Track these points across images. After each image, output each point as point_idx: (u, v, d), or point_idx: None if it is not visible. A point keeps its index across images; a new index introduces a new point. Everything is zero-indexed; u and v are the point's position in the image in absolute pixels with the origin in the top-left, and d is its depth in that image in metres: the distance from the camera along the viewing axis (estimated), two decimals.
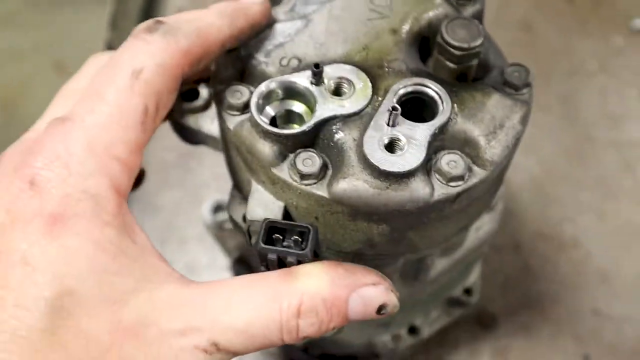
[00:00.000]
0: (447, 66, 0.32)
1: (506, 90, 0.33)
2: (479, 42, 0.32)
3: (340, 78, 0.32)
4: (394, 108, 0.29)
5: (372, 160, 0.29)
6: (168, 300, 0.26)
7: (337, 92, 0.32)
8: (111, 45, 0.65)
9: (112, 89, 0.28)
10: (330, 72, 0.32)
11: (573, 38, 0.72)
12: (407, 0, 0.35)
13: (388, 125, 0.30)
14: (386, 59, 0.33)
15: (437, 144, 0.31)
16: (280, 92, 0.31)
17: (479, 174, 0.31)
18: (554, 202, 0.63)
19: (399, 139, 0.29)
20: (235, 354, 0.27)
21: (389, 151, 0.29)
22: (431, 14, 0.35)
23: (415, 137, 0.29)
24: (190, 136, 0.38)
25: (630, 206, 0.63)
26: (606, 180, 0.64)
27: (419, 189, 0.29)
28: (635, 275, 0.60)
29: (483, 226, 0.42)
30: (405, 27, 0.34)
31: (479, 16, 0.36)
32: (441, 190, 0.30)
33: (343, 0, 0.35)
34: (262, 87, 0.31)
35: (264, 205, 0.32)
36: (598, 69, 0.70)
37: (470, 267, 0.47)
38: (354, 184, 0.29)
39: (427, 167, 0.30)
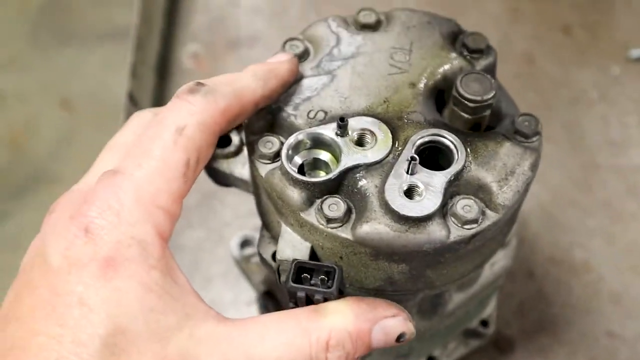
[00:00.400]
0: (462, 117, 0.35)
1: (517, 138, 0.36)
2: (491, 94, 0.35)
3: (363, 130, 0.35)
4: (412, 158, 0.32)
5: (393, 206, 0.32)
6: (207, 337, 0.29)
7: (360, 142, 0.35)
8: (132, 93, 0.68)
9: (158, 144, 0.31)
10: (354, 124, 0.35)
11: (573, 69, 0.75)
12: (424, 55, 0.38)
13: (407, 173, 0.33)
14: (405, 111, 0.36)
15: (453, 189, 0.33)
16: (308, 142, 0.35)
17: (492, 217, 0.33)
18: (564, 227, 0.66)
19: (417, 186, 0.32)
20: None
21: (408, 197, 0.32)
22: (446, 67, 0.38)
23: (433, 184, 0.32)
24: (222, 179, 0.41)
25: (636, 228, 0.65)
26: (612, 204, 0.67)
27: (436, 231, 0.32)
28: None
29: (498, 262, 0.44)
30: (423, 81, 0.37)
31: (491, 68, 0.39)
32: (457, 232, 0.33)
33: (365, 56, 0.39)
34: (292, 139, 0.34)
35: (292, 246, 0.35)
36: (598, 97, 0.73)
37: (486, 300, 0.49)
38: (375, 227, 0.32)
39: (443, 211, 0.33)
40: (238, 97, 0.33)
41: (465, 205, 0.33)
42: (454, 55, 0.38)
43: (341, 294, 0.33)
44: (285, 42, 0.39)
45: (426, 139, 0.34)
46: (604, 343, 0.60)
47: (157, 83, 0.75)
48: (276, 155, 0.35)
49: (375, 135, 0.35)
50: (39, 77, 0.97)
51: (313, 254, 0.35)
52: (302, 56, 0.39)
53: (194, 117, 0.31)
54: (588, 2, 0.79)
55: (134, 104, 0.68)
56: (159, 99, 0.74)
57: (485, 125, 0.36)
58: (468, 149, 0.34)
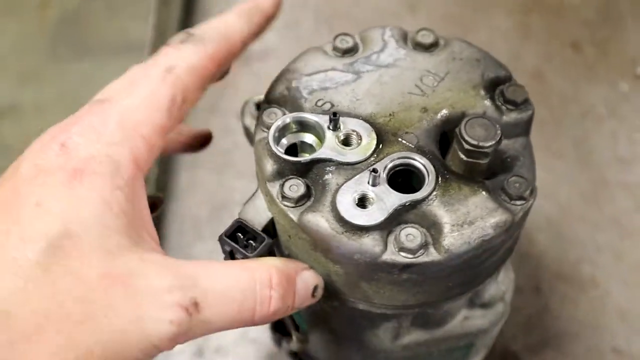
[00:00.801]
0: (458, 156, 0.35)
1: (501, 195, 0.35)
2: (489, 143, 0.34)
3: (354, 130, 0.36)
4: (374, 170, 0.34)
5: (339, 206, 0.33)
6: (158, 262, 0.30)
7: (345, 141, 0.36)
8: None
9: (147, 79, 0.33)
10: (348, 123, 0.36)
11: (582, 85, 0.75)
12: (452, 87, 0.39)
13: (368, 183, 0.34)
14: (403, 129, 0.37)
15: (410, 216, 0.34)
16: (294, 126, 0.37)
17: (433, 256, 0.33)
18: (572, 243, 0.66)
19: (370, 198, 0.34)
20: (210, 325, 0.30)
21: (358, 204, 0.33)
22: (469, 106, 0.38)
23: (385, 201, 0.33)
24: None
25: None
26: (621, 220, 0.67)
27: (369, 245, 0.33)
28: None
29: (472, 319, 0.43)
30: (438, 110, 0.38)
31: (522, 124, 0.38)
32: (391, 255, 0.33)
33: (397, 70, 0.40)
34: (279, 122, 0.36)
35: (255, 211, 0.37)
36: (607, 113, 0.73)
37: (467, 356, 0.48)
38: (318, 219, 0.34)
39: (389, 231, 0.34)
40: (226, 40, 0.35)
41: (409, 234, 0.33)
42: (483, 97, 0.38)
43: None
44: (336, 36, 0.41)
45: (398, 161, 0.35)
46: (610, 359, 0.60)
47: None
48: None
49: (361, 139, 0.36)
50: (56, 90, 0.99)
51: (272, 226, 0.37)
52: (348, 51, 0.41)
53: (183, 61, 0.33)
54: (597, 19, 0.80)
55: None
56: None
57: (478, 174, 0.36)
58: (437, 183, 0.34)
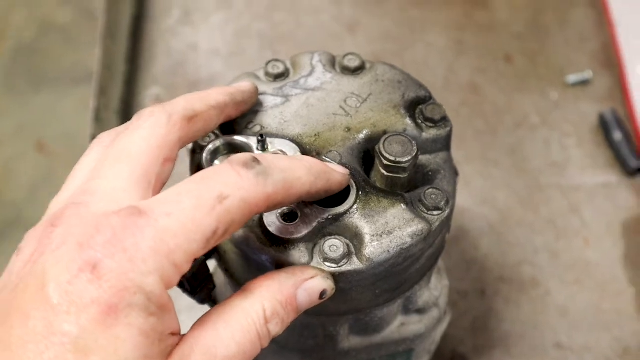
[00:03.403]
0: (380, 172, 0.38)
1: (419, 207, 0.38)
2: (405, 159, 0.37)
3: (281, 150, 0.39)
4: None
5: (265, 220, 0.36)
6: None
7: None
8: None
9: (194, 202, 0.30)
10: (276, 144, 0.39)
11: (515, 95, 0.79)
12: (374, 107, 0.42)
13: None
14: (327, 148, 0.39)
15: (333, 228, 0.37)
16: (224, 149, 0.39)
17: (355, 265, 0.36)
18: (512, 246, 0.69)
19: (296, 213, 0.36)
20: None
21: (283, 220, 0.36)
22: (390, 125, 0.41)
23: (309, 215, 0.36)
24: None
25: (579, 244, 0.69)
26: (556, 222, 0.70)
27: (295, 256, 0.36)
28: (590, 307, 0.65)
29: (409, 324, 0.45)
30: (360, 129, 0.41)
31: (441, 140, 0.41)
32: (317, 265, 0.36)
33: (324, 93, 0.42)
34: (210, 146, 0.39)
35: None
36: (539, 121, 0.77)
37: None
38: (248, 234, 0.36)
39: (314, 243, 0.36)
40: (287, 188, 0.33)
41: (332, 245, 0.36)
42: (403, 115, 0.41)
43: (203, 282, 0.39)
44: (268, 62, 0.43)
45: None
46: (554, 355, 0.63)
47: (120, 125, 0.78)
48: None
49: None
50: (14, 121, 0.99)
51: None
52: (279, 76, 0.43)
53: (239, 191, 0.31)
54: (526, 32, 0.84)
55: None
56: None
57: (399, 188, 0.38)
58: (357, 197, 0.37)
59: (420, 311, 0.45)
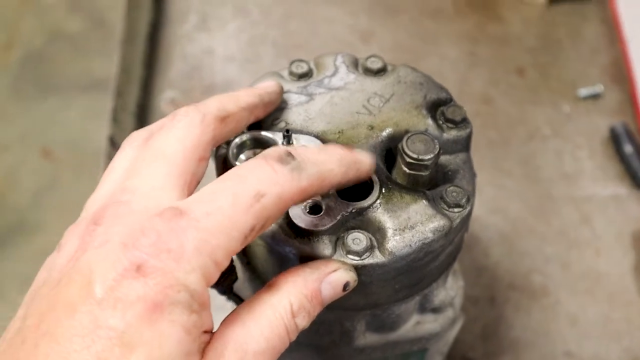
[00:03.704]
0: (402, 169, 0.39)
1: (440, 204, 0.39)
2: (427, 157, 0.38)
3: (305, 146, 0.39)
4: None
5: (290, 213, 0.36)
6: None
7: None
8: (113, 138, 0.72)
9: (232, 201, 0.30)
10: (302, 140, 0.40)
11: (527, 107, 0.80)
12: (396, 107, 0.43)
13: None
14: (350, 145, 0.40)
15: (356, 222, 0.37)
16: (249, 142, 0.40)
17: (378, 258, 0.37)
18: (523, 255, 0.70)
19: (320, 206, 0.37)
20: None
21: (308, 212, 0.36)
22: (412, 124, 0.42)
23: (333, 209, 0.37)
24: None
25: (590, 254, 0.69)
26: (567, 232, 0.71)
27: (319, 248, 0.36)
28: (600, 317, 0.65)
29: (424, 323, 0.46)
30: (383, 128, 0.41)
31: (461, 141, 0.42)
32: (340, 258, 0.36)
33: (347, 92, 0.43)
34: (237, 139, 0.39)
35: None
36: (551, 133, 0.78)
37: None
38: (272, 225, 0.37)
39: (337, 236, 0.37)
40: (320, 180, 0.33)
41: (355, 238, 0.36)
42: (425, 116, 0.42)
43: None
44: (292, 62, 0.44)
45: None
46: None
47: (136, 128, 0.78)
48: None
49: None
50: (20, 128, 0.99)
51: None
52: (303, 75, 0.44)
53: (275, 187, 0.31)
54: (539, 46, 0.85)
55: (114, 147, 0.72)
56: None
57: (421, 186, 0.39)
58: (380, 192, 0.38)
59: (436, 310, 0.46)
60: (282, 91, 0.43)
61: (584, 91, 0.80)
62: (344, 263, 0.36)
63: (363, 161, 0.37)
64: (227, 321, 0.32)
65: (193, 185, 0.34)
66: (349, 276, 0.36)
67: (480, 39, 0.86)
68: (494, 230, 0.71)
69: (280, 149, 0.33)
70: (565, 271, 0.68)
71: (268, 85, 0.42)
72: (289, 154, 0.32)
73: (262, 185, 0.31)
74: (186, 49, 0.87)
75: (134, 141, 0.36)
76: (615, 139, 0.76)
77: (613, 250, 0.69)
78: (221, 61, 0.85)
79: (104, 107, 0.75)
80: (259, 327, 0.32)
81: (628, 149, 0.74)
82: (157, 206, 0.31)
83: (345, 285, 0.36)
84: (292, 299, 0.33)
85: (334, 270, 0.36)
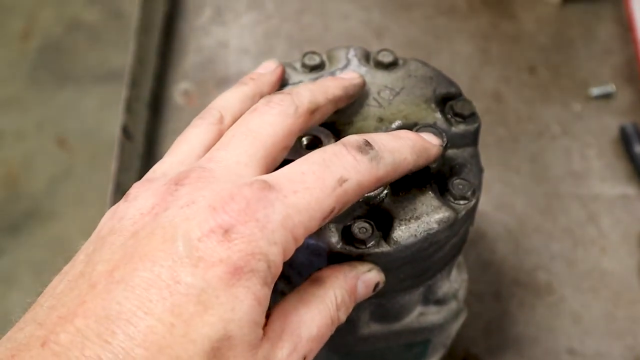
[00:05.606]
0: None
1: (446, 196, 0.40)
2: None
3: (315, 136, 0.40)
4: None
5: None
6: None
7: (308, 145, 0.40)
8: (126, 127, 0.73)
9: (319, 183, 0.32)
10: (311, 130, 0.40)
11: (538, 106, 0.80)
12: (406, 100, 0.43)
13: None
14: None
15: (362, 211, 0.38)
16: None
17: (383, 247, 0.37)
18: (528, 252, 0.70)
19: None
20: None
21: None
22: (420, 117, 0.42)
23: None
24: None
25: (596, 253, 0.70)
26: (574, 230, 0.71)
27: (325, 235, 0.37)
28: (604, 315, 0.66)
29: (428, 314, 0.46)
30: (391, 119, 0.42)
31: (469, 135, 0.43)
32: (345, 247, 0.37)
33: None
34: None
35: None
36: (561, 132, 0.78)
37: (425, 353, 0.50)
38: None
39: (344, 224, 0.37)
40: (395, 169, 0.35)
41: (362, 227, 0.37)
42: (434, 110, 0.43)
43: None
44: (305, 54, 0.45)
45: None
46: (565, 359, 0.64)
47: (150, 118, 0.80)
48: None
49: (322, 142, 0.40)
50: (36, 116, 1.01)
51: None
52: (315, 67, 0.45)
53: (357, 175, 0.33)
54: (551, 45, 0.85)
55: (127, 137, 0.73)
56: (152, 133, 0.79)
57: (432, 177, 0.40)
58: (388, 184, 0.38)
59: (440, 302, 0.46)
60: (364, 84, 0.44)
61: (596, 90, 0.80)
62: (375, 264, 0.38)
63: (432, 147, 0.38)
64: (278, 308, 0.33)
65: (271, 170, 0.35)
66: (380, 277, 0.38)
67: (493, 36, 0.86)
68: (500, 227, 0.71)
69: (358, 137, 0.35)
70: (571, 269, 0.69)
71: (353, 77, 0.43)
72: (367, 143, 0.34)
73: (345, 172, 0.33)
74: (201, 41, 0.88)
75: (205, 119, 0.38)
76: (625, 139, 0.76)
77: (619, 249, 0.70)
78: (235, 53, 0.86)
79: (118, 97, 0.76)
80: (310, 315, 0.34)
81: (638, 149, 0.74)
82: (240, 179, 0.32)
83: (376, 286, 0.38)
84: (337, 293, 0.35)
85: (369, 270, 0.37)
